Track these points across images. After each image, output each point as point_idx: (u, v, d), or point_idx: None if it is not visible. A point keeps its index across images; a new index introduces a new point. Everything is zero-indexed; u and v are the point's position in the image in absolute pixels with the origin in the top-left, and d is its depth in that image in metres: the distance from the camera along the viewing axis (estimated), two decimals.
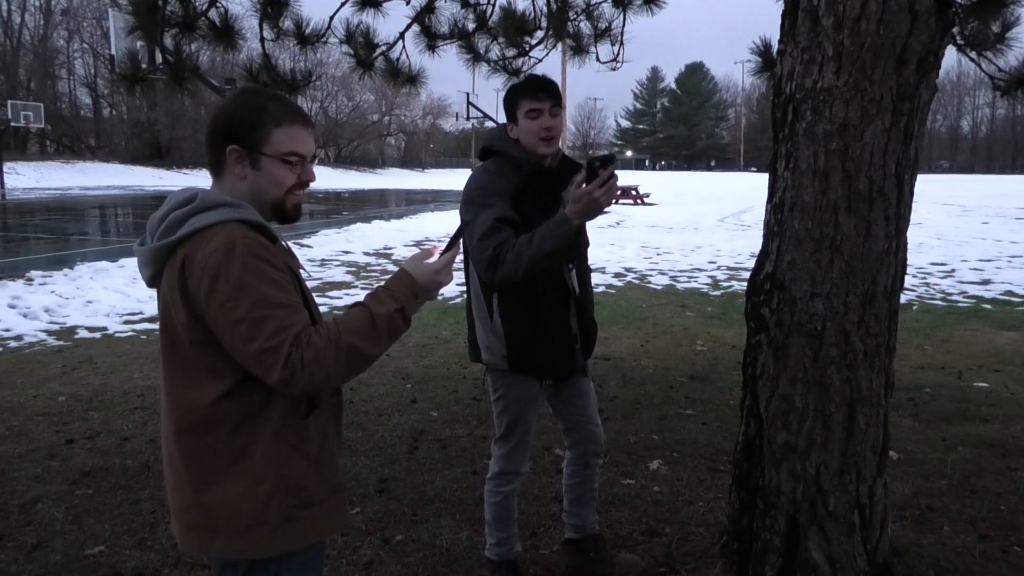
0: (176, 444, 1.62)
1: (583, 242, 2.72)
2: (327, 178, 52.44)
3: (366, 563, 3.12)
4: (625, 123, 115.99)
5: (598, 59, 5.16)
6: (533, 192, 2.56)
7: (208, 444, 1.59)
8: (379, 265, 11.73)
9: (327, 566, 3.07)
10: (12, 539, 3.29)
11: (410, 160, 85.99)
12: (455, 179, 61.69)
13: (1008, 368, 5.98)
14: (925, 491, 3.70)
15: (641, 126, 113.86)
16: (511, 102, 2.60)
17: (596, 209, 2.24)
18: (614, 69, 5.05)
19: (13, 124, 33.81)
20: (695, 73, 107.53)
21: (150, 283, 1.66)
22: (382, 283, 1.69)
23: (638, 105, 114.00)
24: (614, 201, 2.49)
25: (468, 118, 30.92)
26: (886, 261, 2.52)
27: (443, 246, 1.75)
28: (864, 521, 2.65)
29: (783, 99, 2.60)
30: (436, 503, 3.64)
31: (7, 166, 35.67)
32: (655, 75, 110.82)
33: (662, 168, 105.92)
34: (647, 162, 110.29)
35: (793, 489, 2.66)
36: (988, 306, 8.79)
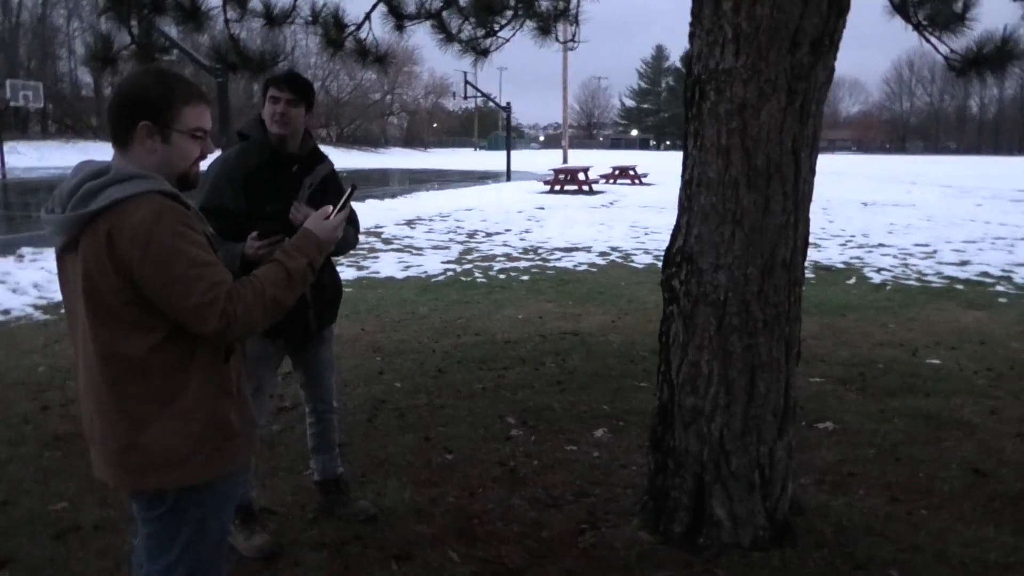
0: (109, 394, 1.76)
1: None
2: (330, 158, 52.26)
3: (311, 519, 3.30)
4: (629, 102, 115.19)
5: (557, 39, 5.28)
6: (272, 172, 2.94)
7: (143, 390, 1.76)
8: (368, 243, 11.86)
9: (275, 523, 3.26)
10: None
11: (413, 139, 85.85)
12: (458, 158, 61.53)
13: (965, 346, 6.09)
14: (852, 458, 3.85)
15: (646, 105, 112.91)
16: (263, 90, 2.99)
17: None
18: (571, 49, 5.15)
19: (13, 104, 33.81)
20: None
21: (61, 250, 1.79)
22: (290, 241, 1.95)
23: (643, 84, 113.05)
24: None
25: (466, 97, 30.96)
26: (784, 234, 2.67)
27: (337, 207, 2.02)
28: (764, 480, 2.81)
29: (691, 79, 2.73)
30: (385, 466, 3.82)
31: (8, 145, 35.74)
32: (660, 54, 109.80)
33: (667, 148, 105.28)
34: (651, 141, 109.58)
35: (700, 450, 2.82)
36: (960, 286, 8.88)
